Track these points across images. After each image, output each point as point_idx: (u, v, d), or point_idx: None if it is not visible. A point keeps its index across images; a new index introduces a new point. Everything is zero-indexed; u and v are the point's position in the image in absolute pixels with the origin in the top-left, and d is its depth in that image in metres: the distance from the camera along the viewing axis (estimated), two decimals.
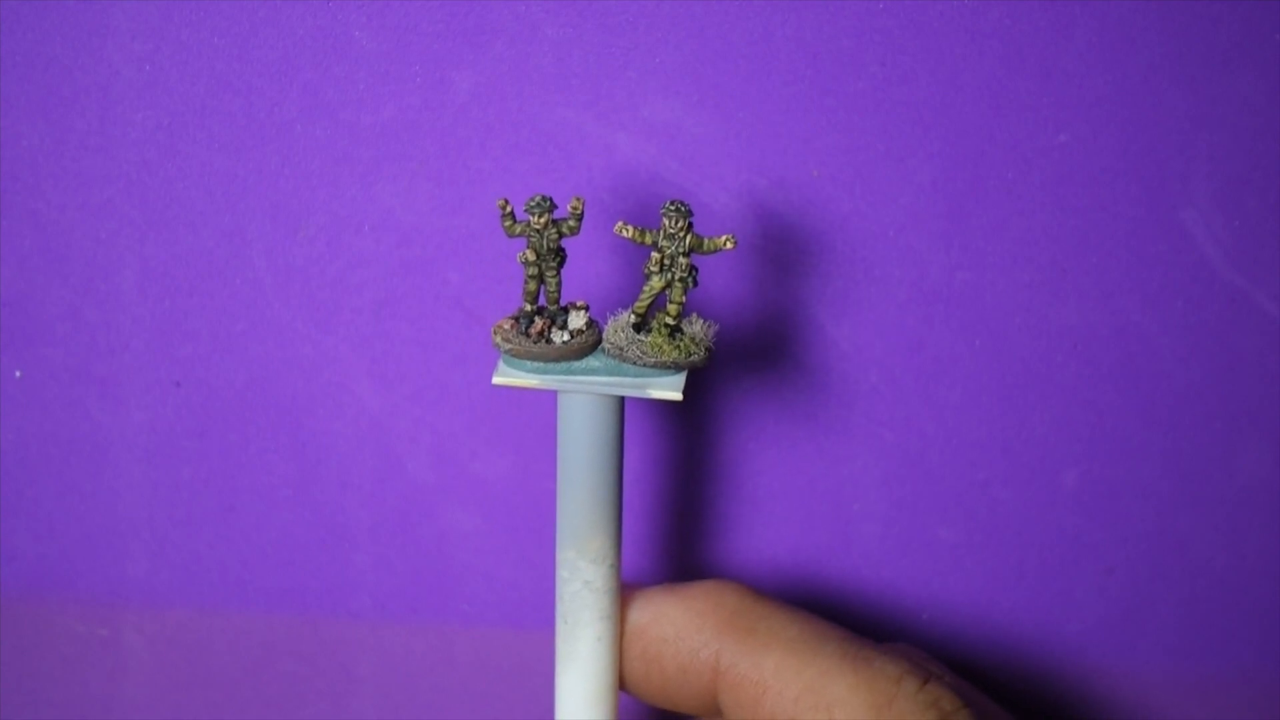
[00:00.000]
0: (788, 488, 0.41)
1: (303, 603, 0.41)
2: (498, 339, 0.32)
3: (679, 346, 0.32)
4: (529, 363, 0.32)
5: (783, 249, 0.38)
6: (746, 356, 0.39)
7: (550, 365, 0.32)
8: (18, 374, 0.39)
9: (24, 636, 0.42)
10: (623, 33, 0.36)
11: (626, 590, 0.36)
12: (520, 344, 0.32)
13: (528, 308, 0.33)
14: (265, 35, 0.36)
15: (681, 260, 0.32)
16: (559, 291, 0.33)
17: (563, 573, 0.34)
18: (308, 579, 0.41)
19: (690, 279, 0.32)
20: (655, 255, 0.32)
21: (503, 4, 0.36)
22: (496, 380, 0.32)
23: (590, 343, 0.32)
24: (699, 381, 0.39)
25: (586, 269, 0.38)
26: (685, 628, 0.35)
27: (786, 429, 0.40)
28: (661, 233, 0.32)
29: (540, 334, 0.32)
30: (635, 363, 0.32)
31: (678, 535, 0.41)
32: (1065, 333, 0.39)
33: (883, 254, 0.38)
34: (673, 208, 0.31)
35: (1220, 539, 0.41)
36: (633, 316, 0.32)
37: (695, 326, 0.33)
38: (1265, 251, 0.38)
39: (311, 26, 0.36)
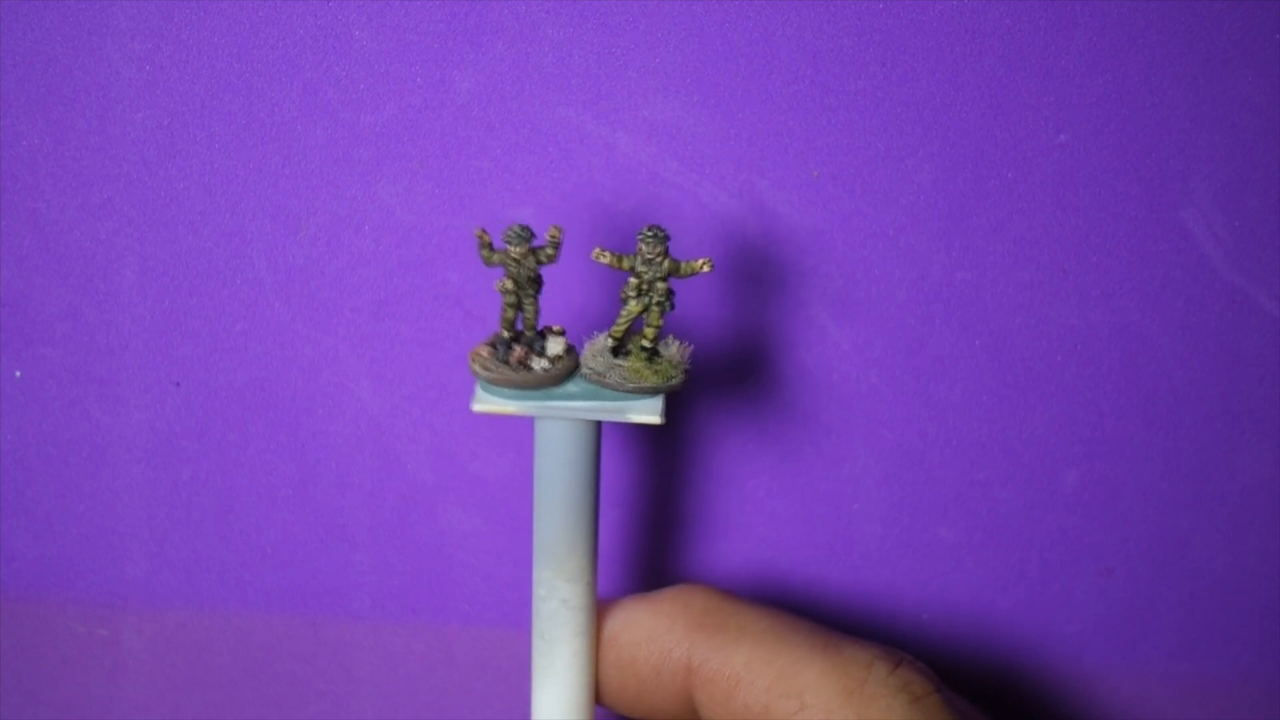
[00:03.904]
0: (788, 487, 0.41)
1: (303, 603, 0.41)
2: (476, 366, 0.32)
3: (658, 371, 0.32)
4: (508, 389, 0.32)
5: (783, 249, 0.38)
6: (747, 357, 0.39)
7: (529, 391, 0.32)
8: (18, 374, 0.39)
9: (24, 636, 0.42)
10: (623, 33, 0.36)
11: (602, 605, 0.36)
12: (501, 372, 0.32)
13: (505, 334, 0.32)
14: (265, 35, 0.36)
15: (660, 285, 0.32)
16: (536, 318, 0.33)
17: (540, 590, 0.34)
18: (308, 579, 0.41)
19: (667, 303, 0.32)
20: (633, 281, 0.32)
21: (503, 4, 0.36)
22: (476, 407, 0.32)
23: (568, 368, 0.32)
24: (699, 382, 0.39)
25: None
26: (655, 629, 0.35)
27: (786, 429, 0.40)
28: (639, 258, 0.32)
29: (520, 361, 0.32)
30: (616, 388, 0.32)
31: (679, 535, 0.41)
32: (1065, 333, 0.39)
33: (883, 254, 0.38)
34: (650, 233, 0.31)
35: (1220, 539, 0.41)
36: (610, 341, 0.32)
37: (671, 349, 0.33)
38: (1265, 251, 0.38)
39: (311, 26, 0.36)
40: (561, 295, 0.38)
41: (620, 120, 0.37)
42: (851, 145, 0.37)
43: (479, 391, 0.32)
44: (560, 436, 0.32)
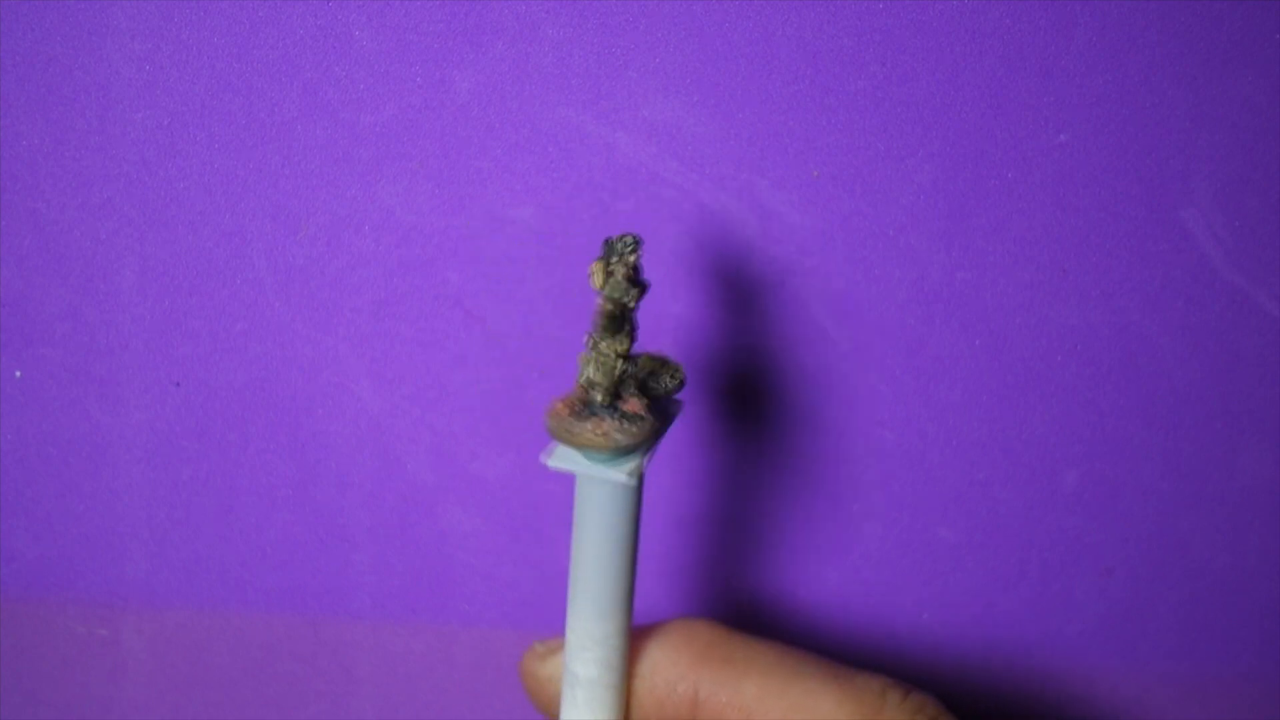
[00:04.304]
0: (787, 487, 0.41)
1: (303, 603, 0.41)
2: (618, 439, 0.29)
3: (660, 359, 0.32)
4: (647, 439, 0.30)
5: (783, 249, 0.38)
6: (746, 357, 0.39)
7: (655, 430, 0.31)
8: (18, 374, 0.39)
9: (24, 636, 0.42)
10: (623, 33, 0.36)
11: None
12: (645, 424, 0.30)
13: (600, 399, 0.30)
14: (265, 35, 0.36)
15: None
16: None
17: (614, 641, 0.33)
18: (308, 579, 0.41)
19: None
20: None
21: (503, 4, 0.36)
22: (635, 479, 0.30)
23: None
24: (698, 382, 0.39)
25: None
26: (660, 662, 0.34)
27: (786, 429, 0.40)
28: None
29: (645, 408, 0.30)
30: (675, 390, 0.32)
31: (678, 535, 0.41)
32: (1065, 333, 0.39)
33: (883, 254, 0.38)
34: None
35: (1220, 539, 0.41)
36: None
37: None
38: (1265, 251, 0.38)
39: (311, 26, 0.36)
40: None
41: (620, 120, 0.37)
42: (851, 145, 0.37)
43: (616, 463, 0.30)
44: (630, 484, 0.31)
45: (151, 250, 0.38)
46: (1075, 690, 0.43)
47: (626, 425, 0.30)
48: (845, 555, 0.41)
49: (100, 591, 0.41)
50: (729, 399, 0.40)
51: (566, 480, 0.40)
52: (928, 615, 0.42)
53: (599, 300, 0.30)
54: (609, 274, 0.30)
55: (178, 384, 0.39)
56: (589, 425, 0.30)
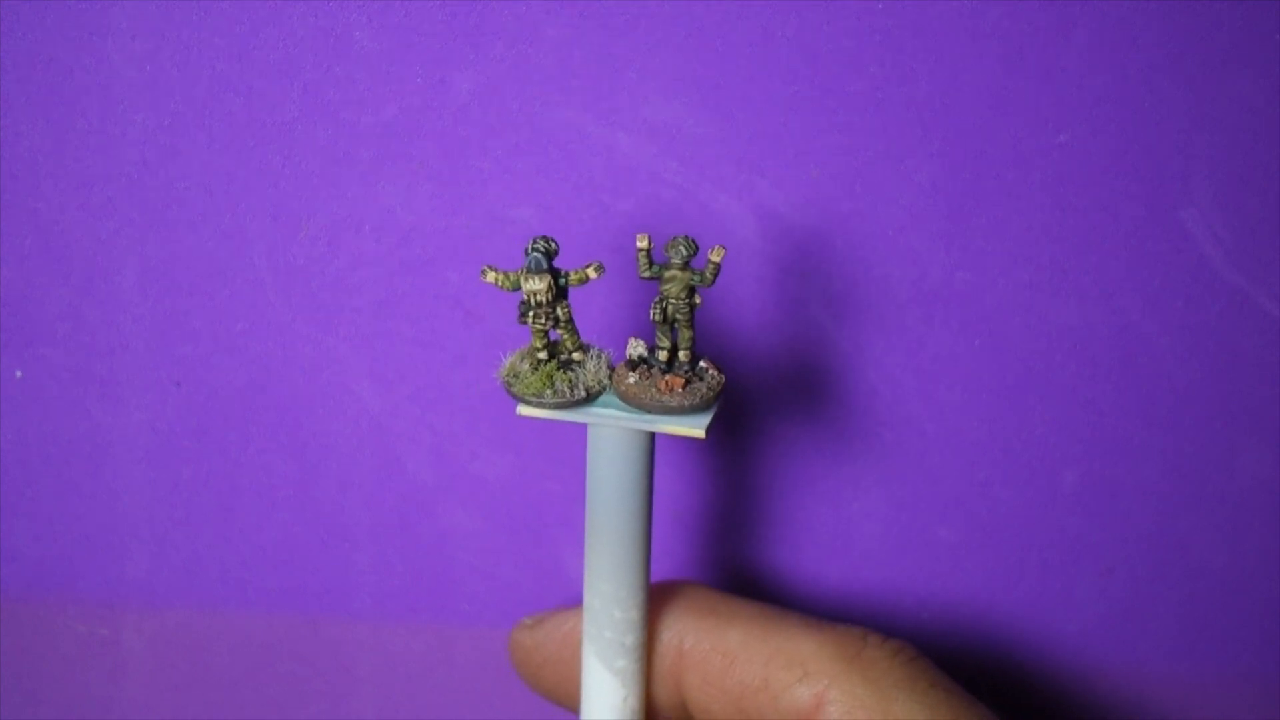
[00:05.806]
0: (787, 487, 0.41)
1: (303, 603, 0.41)
2: (678, 400, 0.31)
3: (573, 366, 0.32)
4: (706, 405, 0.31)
5: (782, 249, 0.38)
6: (745, 357, 0.39)
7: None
8: (18, 374, 0.39)
9: (24, 636, 0.42)
10: (623, 33, 0.36)
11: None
12: (698, 390, 0.31)
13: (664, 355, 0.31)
14: (265, 35, 0.36)
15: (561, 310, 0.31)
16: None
17: (644, 610, 0.34)
18: (308, 579, 0.41)
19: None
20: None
21: (503, 4, 0.36)
22: (701, 432, 0.31)
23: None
24: None
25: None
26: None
27: (785, 429, 0.40)
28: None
29: (680, 383, 0.31)
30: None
31: (675, 537, 0.41)
32: (1065, 333, 0.39)
33: (883, 254, 0.38)
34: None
35: (1220, 539, 0.41)
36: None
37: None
38: (1265, 251, 0.38)
39: (312, 26, 0.36)
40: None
41: (620, 120, 0.37)
42: (851, 145, 0.37)
43: (690, 420, 0.31)
44: (649, 445, 0.32)
45: (151, 250, 0.38)
46: (1075, 690, 0.43)
47: (691, 387, 0.31)
48: (845, 555, 0.41)
49: (100, 591, 0.41)
50: (726, 399, 0.40)
51: (566, 480, 0.40)
52: (928, 615, 0.42)
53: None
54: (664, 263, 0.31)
55: (178, 384, 0.39)
56: (669, 380, 0.31)
